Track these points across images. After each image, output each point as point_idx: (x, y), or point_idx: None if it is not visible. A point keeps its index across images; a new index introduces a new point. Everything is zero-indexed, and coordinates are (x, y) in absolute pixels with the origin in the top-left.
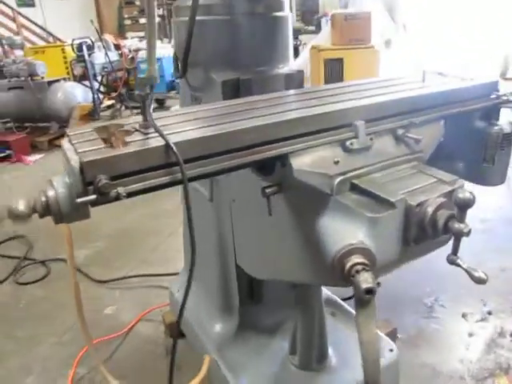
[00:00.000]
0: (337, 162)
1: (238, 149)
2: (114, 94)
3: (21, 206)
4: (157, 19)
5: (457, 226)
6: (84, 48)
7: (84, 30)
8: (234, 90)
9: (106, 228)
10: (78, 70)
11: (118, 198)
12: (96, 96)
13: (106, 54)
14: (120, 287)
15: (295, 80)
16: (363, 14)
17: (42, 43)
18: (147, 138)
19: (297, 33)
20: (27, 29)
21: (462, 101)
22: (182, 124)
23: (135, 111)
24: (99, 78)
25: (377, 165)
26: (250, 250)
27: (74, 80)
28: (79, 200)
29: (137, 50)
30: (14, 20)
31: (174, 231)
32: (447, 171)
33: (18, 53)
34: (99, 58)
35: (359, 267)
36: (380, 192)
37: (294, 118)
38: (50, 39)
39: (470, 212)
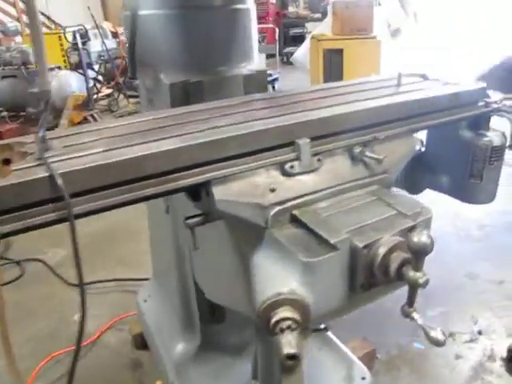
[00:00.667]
0: (273, 190)
1: (141, 178)
2: (112, 83)
3: None
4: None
5: (411, 274)
6: (77, 36)
7: (87, 16)
8: (183, 93)
9: (88, 227)
10: (73, 59)
11: None
12: (91, 85)
13: (103, 42)
14: (93, 292)
15: (256, 82)
16: (365, 2)
17: (44, 30)
18: (36, 165)
19: (303, 21)
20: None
21: (442, 110)
22: (90, 144)
23: (132, 100)
24: (96, 67)
25: (324, 191)
26: (204, 269)
27: (70, 68)
28: None
29: None
30: (13, 5)
31: None
32: (429, 185)
33: (18, 39)
34: (95, 46)
35: (284, 324)
36: (320, 229)
37: (217, 139)
38: (53, 26)
39: (465, 215)
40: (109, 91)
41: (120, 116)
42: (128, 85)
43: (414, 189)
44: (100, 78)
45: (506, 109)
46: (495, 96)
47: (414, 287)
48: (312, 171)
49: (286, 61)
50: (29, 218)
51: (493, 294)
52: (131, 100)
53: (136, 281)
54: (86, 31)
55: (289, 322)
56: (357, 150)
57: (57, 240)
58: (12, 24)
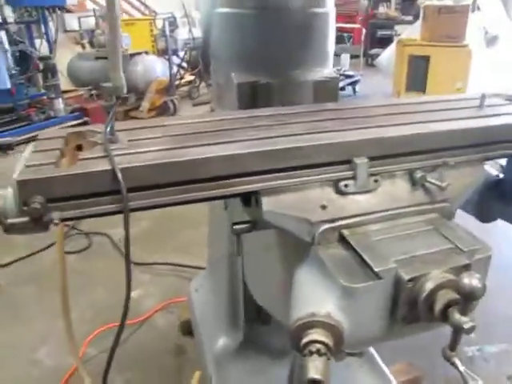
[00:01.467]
0: (324, 207)
1: (195, 180)
2: (195, 70)
3: None
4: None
5: (457, 317)
6: (166, 23)
7: (180, 5)
8: (251, 94)
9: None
10: (160, 45)
11: (51, 222)
12: (175, 71)
13: (190, 30)
14: (151, 272)
15: (327, 89)
16: (461, 8)
17: (138, 15)
18: (102, 157)
19: (392, 22)
20: (126, 0)
21: None
22: (153, 141)
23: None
24: (181, 54)
25: (379, 214)
26: (254, 272)
27: (158, 54)
28: (9, 221)
29: None
30: None
31: None
32: (502, 216)
33: None
34: (183, 33)
35: (314, 348)
36: (367, 254)
37: (273, 150)
38: (147, 12)
39: None
40: (191, 78)
41: (198, 104)
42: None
43: (485, 217)
44: (184, 64)
45: None
46: None
47: (457, 331)
48: (367, 192)
49: (370, 63)
50: (87, 206)
51: None
52: (211, 88)
53: (192, 268)
54: (175, 19)
55: (319, 346)
56: (418, 174)
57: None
58: None
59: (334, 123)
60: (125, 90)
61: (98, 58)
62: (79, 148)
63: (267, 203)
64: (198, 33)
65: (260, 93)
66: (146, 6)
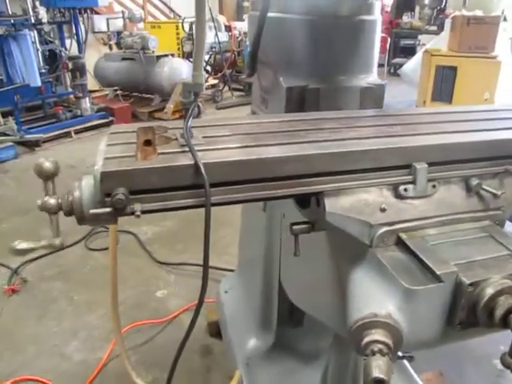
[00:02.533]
0: (383, 210)
1: (271, 178)
2: (219, 74)
3: (51, 200)
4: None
5: None
6: (193, 27)
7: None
8: (299, 98)
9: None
10: (186, 48)
11: (133, 213)
12: None
13: (216, 34)
14: (177, 272)
15: (373, 95)
16: (491, 19)
17: (163, 18)
18: (180, 152)
19: (416, 32)
20: (152, 4)
21: None
22: (226, 138)
23: (236, 93)
24: (206, 57)
25: (435, 219)
26: (293, 273)
27: (183, 57)
28: (92, 211)
29: (246, 33)
30: None
31: None
32: None
33: (140, 26)
34: (209, 37)
35: (376, 347)
36: (428, 258)
37: (338, 152)
38: (172, 15)
39: None
40: (214, 82)
41: (222, 108)
42: (234, 78)
43: None
44: (208, 68)
45: None
46: None
47: None
48: (425, 196)
49: (394, 72)
50: (168, 200)
51: None
52: (235, 93)
53: (219, 269)
54: None
55: (381, 346)
56: (474, 181)
57: (152, 217)
58: (137, 12)
59: (390, 129)
60: (204, 88)
61: (124, 59)
62: (148, 143)
63: (330, 205)
64: (223, 37)
65: (308, 97)
66: (171, 10)
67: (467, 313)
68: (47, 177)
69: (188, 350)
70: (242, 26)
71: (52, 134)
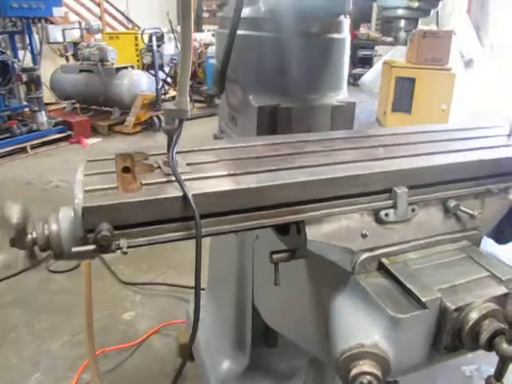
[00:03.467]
0: (365, 235)
1: (261, 207)
2: None
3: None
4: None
5: (505, 347)
6: (153, 38)
7: (164, 19)
8: (270, 118)
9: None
10: (146, 59)
11: (119, 249)
12: (160, 87)
13: (176, 45)
14: (144, 292)
15: (344, 113)
16: (445, 33)
17: (121, 29)
18: (166, 182)
19: (373, 43)
20: (110, 14)
21: None
22: (211, 165)
23: (198, 105)
24: (167, 69)
25: (415, 242)
26: (268, 296)
27: (143, 69)
28: (75, 249)
29: (207, 45)
30: (98, 5)
31: None
32: None
33: (98, 37)
34: (169, 49)
35: (365, 380)
36: (411, 284)
37: (331, 178)
38: (130, 26)
39: None
40: (175, 94)
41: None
42: (195, 89)
43: (501, 239)
44: (169, 80)
45: None
46: None
47: (504, 361)
48: (405, 220)
49: (353, 82)
50: (155, 233)
51: None
52: (197, 105)
53: (186, 288)
54: (162, 34)
55: (369, 378)
56: (452, 203)
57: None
58: (95, 23)
59: (368, 152)
60: (189, 114)
61: (82, 71)
62: (127, 170)
63: (311, 233)
64: None
65: (280, 117)
66: (130, 20)
67: (452, 337)
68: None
69: (159, 373)
70: (202, 38)
71: (6, 149)
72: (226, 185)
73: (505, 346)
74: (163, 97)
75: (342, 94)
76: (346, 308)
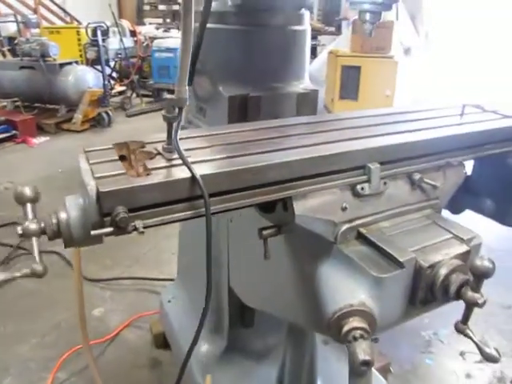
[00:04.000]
0: (345, 209)
1: (260, 185)
2: (126, 81)
3: (32, 226)
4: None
5: (470, 294)
6: (98, 32)
7: (103, 12)
8: (241, 106)
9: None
10: (90, 54)
11: (135, 230)
12: (107, 82)
13: (121, 39)
14: (112, 288)
15: (309, 100)
16: (386, 23)
17: (59, 23)
18: (170, 166)
19: (316, 33)
20: (45, 6)
21: (499, 141)
22: (207, 150)
23: (145, 99)
24: (112, 64)
25: (387, 212)
26: (244, 276)
27: (87, 64)
28: (94, 232)
29: (152, 38)
30: None
31: (172, 233)
32: (470, 207)
33: (35, 31)
34: (113, 43)
35: (357, 333)
36: (389, 247)
37: (310, 157)
38: (68, 19)
39: None
40: (121, 89)
41: (132, 115)
42: (141, 84)
43: (455, 209)
44: (114, 75)
45: None
46: None
47: (471, 307)
48: (378, 193)
49: None
50: (166, 214)
51: (502, 317)
52: (144, 99)
53: (156, 280)
54: (107, 28)
55: (361, 332)
56: (417, 176)
57: None
58: (33, 16)
59: (342, 133)
60: (188, 103)
61: (22, 68)
62: (123, 158)
63: (299, 208)
64: (128, 42)
65: (250, 105)
66: (67, 13)
67: (426, 292)
68: (26, 201)
69: (135, 364)
70: (148, 31)
71: None
72: (228, 165)
73: (470, 293)
74: (109, 93)
75: (305, 82)
76: (331, 274)
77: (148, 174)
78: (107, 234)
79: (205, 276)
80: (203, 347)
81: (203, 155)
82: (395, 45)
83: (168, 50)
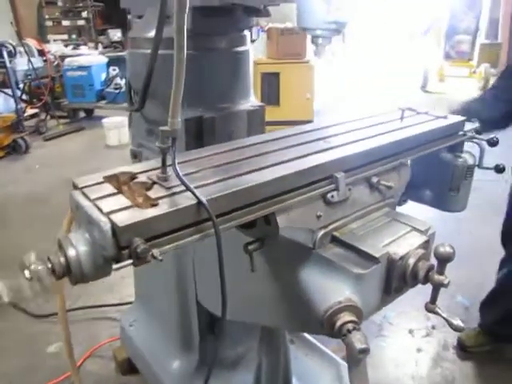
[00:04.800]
0: (319, 216)
1: (253, 203)
2: (37, 103)
3: (39, 267)
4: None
5: (437, 277)
6: (5, 53)
7: (1, 32)
8: (196, 128)
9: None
10: None
11: (154, 259)
12: (22, 106)
13: (29, 60)
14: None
15: (257, 116)
16: (299, 29)
17: None
18: (172, 194)
19: None
20: None
21: (436, 139)
22: (198, 175)
23: (62, 121)
24: (21, 86)
25: (353, 215)
26: (215, 290)
27: None
28: (116, 266)
29: (62, 57)
30: None
31: None
32: (412, 198)
33: None
34: (21, 64)
35: (350, 326)
36: (362, 246)
37: (292, 173)
38: None
39: None
40: (33, 111)
41: (50, 138)
42: (55, 105)
43: (399, 201)
44: (24, 97)
45: (477, 136)
46: (468, 126)
47: (437, 288)
48: (345, 199)
49: None
50: (177, 240)
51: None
52: (61, 120)
53: (106, 306)
54: (14, 48)
55: (353, 324)
56: (374, 179)
57: (5, 270)
58: None
59: (307, 147)
60: (178, 134)
61: None
62: (120, 190)
63: (281, 221)
64: (37, 62)
65: (205, 126)
66: None
67: (398, 281)
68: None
69: None
70: (56, 49)
71: None
72: (225, 188)
73: (436, 277)
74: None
75: (251, 100)
76: (314, 277)
77: (155, 205)
78: (108, 269)
79: (169, 295)
80: (174, 364)
81: (198, 180)
82: (310, 48)
83: (81, 68)
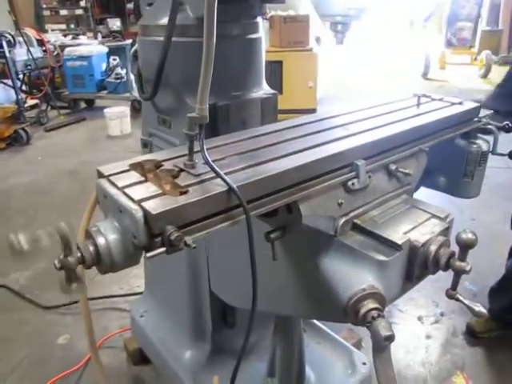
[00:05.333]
0: (340, 204)
1: (281, 189)
2: (38, 94)
3: (70, 258)
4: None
5: (458, 264)
6: (4, 43)
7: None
8: (210, 115)
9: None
10: None
11: (187, 246)
12: (22, 96)
13: (29, 50)
14: (71, 312)
15: (270, 103)
16: (302, 17)
17: None
18: (201, 181)
19: None
20: None
21: (453, 125)
22: (224, 162)
23: (62, 111)
24: (21, 77)
25: (373, 202)
26: (229, 279)
27: None
28: (149, 254)
29: (62, 46)
30: None
31: None
32: (426, 185)
33: None
34: (21, 54)
35: (374, 313)
36: (384, 233)
37: (315, 160)
38: None
39: None
40: (33, 102)
41: (51, 129)
42: (56, 96)
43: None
44: (24, 87)
45: (491, 122)
46: (483, 112)
47: (459, 274)
48: (366, 186)
49: None
50: (209, 227)
51: (446, 281)
52: (62, 111)
53: (116, 297)
54: (14, 38)
55: (377, 311)
56: (393, 166)
57: (15, 263)
58: None
59: (328, 134)
60: (207, 120)
61: None
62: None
63: (304, 209)
64: (37, 52)
65: (220, 114)
66: None
67: (420, 268)
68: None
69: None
70: (56, 39)
71: None
72: (253, 175)
73: (457, 263)
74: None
75: (264, 87)
76: (337, 265)
77: (185, 192)
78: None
79: (181, 285)
80: (187, 354)
81: (225, 167)
82: (312, 38)
83: (81, 57)
